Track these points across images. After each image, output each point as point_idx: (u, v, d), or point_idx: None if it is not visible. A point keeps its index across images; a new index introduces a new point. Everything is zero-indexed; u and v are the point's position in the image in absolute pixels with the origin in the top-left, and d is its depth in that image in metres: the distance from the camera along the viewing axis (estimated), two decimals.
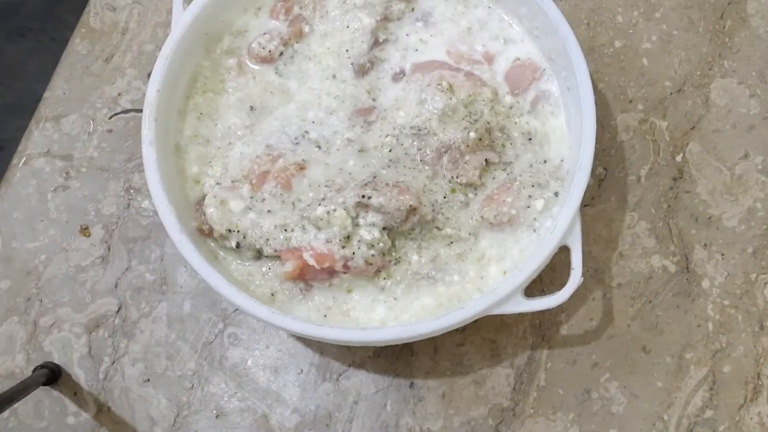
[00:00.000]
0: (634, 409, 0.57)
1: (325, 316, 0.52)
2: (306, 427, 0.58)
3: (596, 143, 0.51)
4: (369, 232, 0.51)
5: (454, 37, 0.58)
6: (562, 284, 0.50)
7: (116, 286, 0.61)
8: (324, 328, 0.49)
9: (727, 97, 0.64)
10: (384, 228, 0.51)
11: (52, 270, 0.62)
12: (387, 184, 0.52)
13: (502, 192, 0.53)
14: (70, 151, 0.65)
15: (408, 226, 0.52)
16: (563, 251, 0.51)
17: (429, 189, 0.54)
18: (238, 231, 0.52)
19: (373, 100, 0.57)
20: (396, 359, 0.59)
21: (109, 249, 0.62)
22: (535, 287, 0.58)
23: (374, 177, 0.53)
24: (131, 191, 0.64)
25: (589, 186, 0.51)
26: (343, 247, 0.50)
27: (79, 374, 0.60)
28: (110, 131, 0.66)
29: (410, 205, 0.51)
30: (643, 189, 0.62)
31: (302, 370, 0.59)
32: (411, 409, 0.58)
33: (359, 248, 0.51)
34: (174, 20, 0.56)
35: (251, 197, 0.53)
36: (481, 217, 0.53)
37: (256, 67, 0.58)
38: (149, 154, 0.52)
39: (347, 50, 0.58)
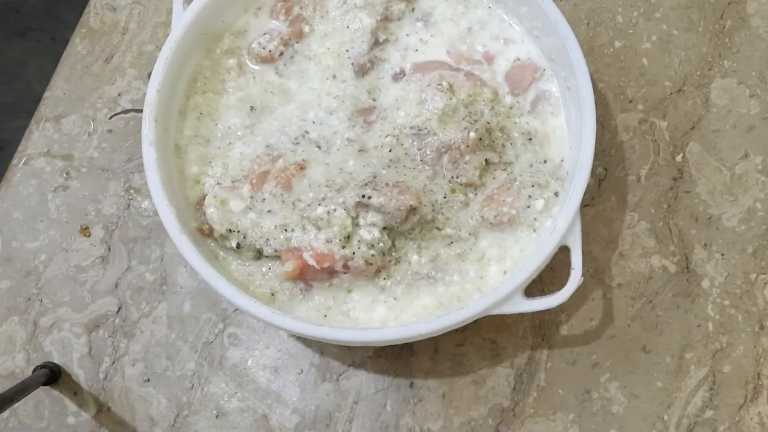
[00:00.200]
0: (634, 409, 0.57)
1: (325, 316, 0.52)
2: (306, 427, 0.58)
3: (596, 143, 0.51)
4: (369, 232, 0.51)
5: (455, 37, 0.58)
6: (562, 284, 0.50)
7: (116, 286, 0.61)
8: (324, 328, 0.49)
9: (727, 97, 0.64)
10: (384, 228, 0.51)
11: (52, 270, 0.62)
12: (387, 184, 0.52)
13: (502, 192, 0.53)
14: (70, 151, 0.65)
15: (408, 226, 0.52)
16: (563, 251, 0.51)
17: (429, 189, 0.54)
18: (239, 231, 0.52)
19: (374, 100, 0.57)
20: (396, 359, 0.59)
21: (109, 249, 0.62)
22: (535, 287, 0.58)
23: (374, 177, 0.53)
24: (131, 191, 0.64)
25: (589, 186, 0.51)
26: (343, 247, 0.50)
27: (79, 374, 0.60)
28: (110, 131, 0.66)
29: (410, 205, 0.51)
30: (643, 189, 0.62)
31: (302, 370, 0.59)
32: (411, 409, 0.58)
33: (359, 248, 0.51)
34: (174, 20, 0.56)
35: (251, 197, 0.53)
36: (481, 217, 0.53)
37: (256, 67, 0.58)
38: (149, 154, 0.52)
39: (347, 50, 0.58)
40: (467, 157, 0.54)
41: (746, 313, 0.59)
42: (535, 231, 0.53)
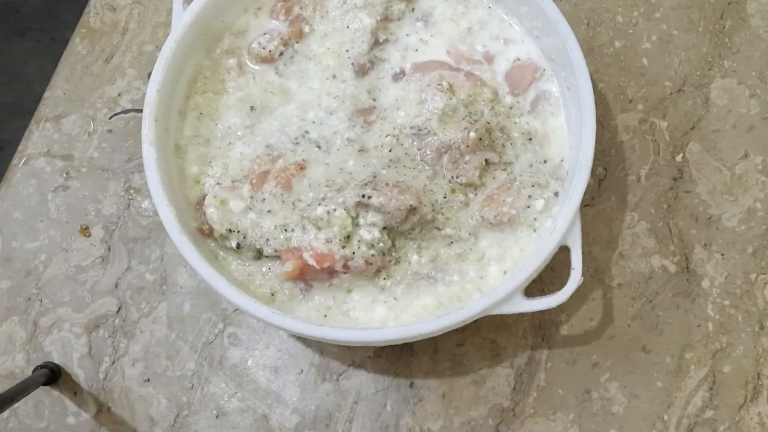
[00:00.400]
0: (634, 409, 0.57)
1: (325, 316, 0.52)
2: (306, 427, 0.58)
3: (596, 143, 0.51)
4: (369, 231, 0.51)
5: (455, 37, 0.58)
6: (562, 284, 0.50)
7: (116, 286, 0.61)
8: (324, 328, 0.49)
9: (727, 97, 0.64)
10: (384, 228, 0.51)
11: (52, 270, 0.62)
12: (387, 184, 0.52)
13: (502, 192, 0.53)
14: (70, 151, 0.65)
15: (408, 225, 0.52)
16: (563, 251, 0.51)
17: (429, 189, 0.54)
18: (239, 231, 0.52)
19: (374, 100, 0.57)
20: (396, 359, 0.59)
21: (109, 249, 0.62)
22: (535, 287, 0.58)
23: (374, 177, 0.53)
24: (131, 191, 0.64)
25: (589, 186, 0.51)
26: (343, 247, 0.50)
27: (79, 374, 0.60)
28: (110, 131, 0.66)
29: (410, 205, 0.51)
30: (643, 189, 0.62)
31: (302, 370, 0.59)
32: (411, 409, 0.58)
33: (359, 248, 0.51)
34: (174, 20, 0.56)
35: (251, 197, 0.53)
36: (481, 217, 0.53)
37: (256, 67, 0.58)
38: (149, 154, 0.52)
39: (347, 50, 0.58)
40: (467, 157, 0.54)
41: (746, 313, 0.59)
42: (535, 231, 0.53)
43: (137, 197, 0.64)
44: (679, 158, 0.63)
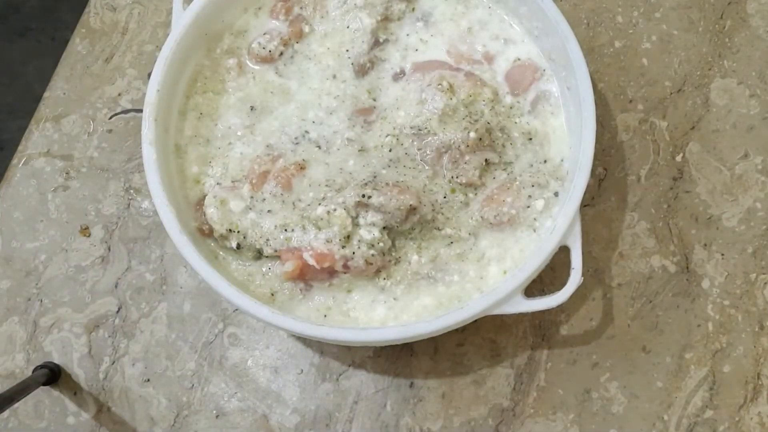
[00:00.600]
0: (634, 409, 0.57)
1: (325, 316, 0.52)
2: (306, 427, 0.58)
3: (596, 143, 0.51)
4: (369, 231, 0.51)
5: (455, 37, 0.58)
6: (562, 284, 0.50)
7: (116, 286, 0.61)
8: (324, 328, 0.49)
9: (727, 97, 0.64)
10: (384, 228, 0.51)
11: (52, 270, 0.62)
12: (387, 184, 0.52)
13: (502, 192, 0.53)
14: (70, 151, 0.65)
15: (408, 225, 0.52)
16: (563, 251, 0.51)
17: (429, 189, 0.54)
18: (239, 231, 0.52)
19: (374, 100, 0.57)
20: (396, 359, 0.59)
21: (109, 249, 0.62)
22: (535, 287, 0.58)
23: (374, 177, 0.53)
24: (131, 191, 0.64)
25: (589, 186, 0.51)
26: (343, 246, 0.50)
27: (79, 374, 0.60)
28: (110, 131, 0.66)
29: (410, 205, 0.51)
30: (643, 189, 0.62)
31: (302, 370, 0.59)
32: (411, 409, 0.58)
33: (359, 248, 0.51)
34: (174, 20, 0.56)
35: (251, 197, 0.53)
36: (481, 217, 0.53)
37: (256, 67, 0.58)
38: (149, 154, 0.52)
39: (347, 50, 0.58)
40: (467, 157, 0.54)
41: (746, 313, 0.59)
42: (535, 231, 0.53)
43: (137, 197, 0.64)
44: (679, 158, 0.63)
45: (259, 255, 0.53)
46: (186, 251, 0.50)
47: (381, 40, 0.58)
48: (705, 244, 0.60)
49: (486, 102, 0.55)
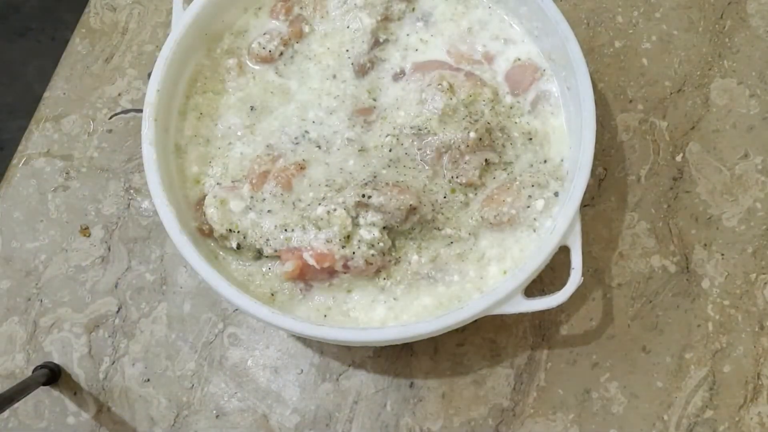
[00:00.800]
0: (634, 409, 0.57)
1: (325, 316, 0.52)
2: (306, 427, 0.58)
3: (596, 143, 0.51)
4: (369, 231, 0.51)
5: (455, 37, 0.58)
6: (562, 284, 0.50)
7: (116, 286, 0.61)
8: (324, 328, 0.49)
9: (727, 97, 0.64)
10: (384, 228, 0.51)
11: (52, 270, 0.62)
12: (387, 184, 0.52)
13: (502, 192, 0.53)
14: (70, 151, 0.65)
15: (408, 225, 0.52)
16: (563, 251, 0.51)
17: (429, 189, 0.54)
18: (239, 231, 0.52)
19: (374, 99, 0.57)
20: (396, 359, 0.59)
21: (109, 249, 0.62)
22: (535, 287, 0.58)
23: (374, 177, 0.53)
24: (131, 191, 0.64)
25: (589, 186, 0.51)
26: (343, 246, 0.50)
27: (79, 374, 0.60)
28: (110, 131, 0.66)
29: (410, 205, 0.51)
30: (643, 189, 0.62)
31: (302, 370, 0.59)
32: (411, 409, 0.58)
33: (359, 248, 0.51)
34: (174, 20, 0.56)
35: (251, 197, 0.53)
36: (481, 217, 0.53)
37: (256, 67, 0.58)
38: (149, 154, 0.52)
39: (347, 50, 0.58)
40: (467, 157, 0.54)
41: (746, 313, 0.59)
42: (535, 231, 0.53)
43: (137, 197, 0.64)
44: (679, 158, 0.63)
45: (259, 255, 0.53)
46: (186, 251, 0.50)
47: (381, 40, 0.58)
48: (705, 244, 0.60)
49: (486, 102, 0.55)
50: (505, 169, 0.55)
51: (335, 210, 0.51)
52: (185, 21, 0.55)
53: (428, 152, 0.54)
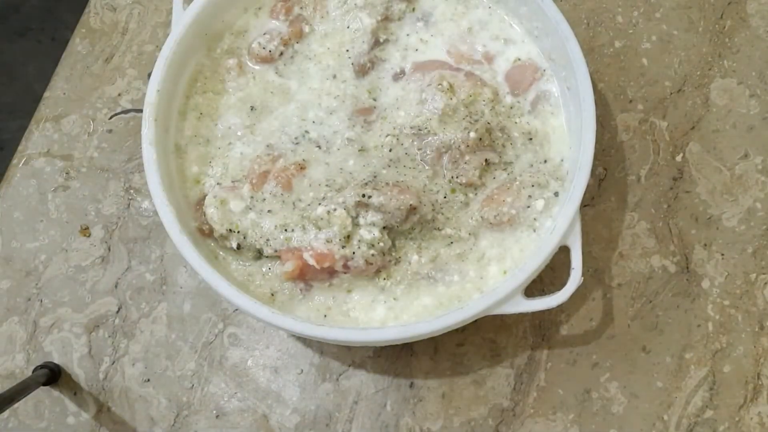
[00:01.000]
0: (634, 409, 0.57)
1: (325, 316, 0.52)
2: (306, 427, 0.58)
3: (596, 143, 0.51)
4: (369, 231, 0.51)
5: (455, 37, 0.58)
6: (562, 284, 0.50)
7: (116, 286, 0.61)
8: (324, 328, 0.49)
9: (727, 97, 0.64)
10: (384, 227, 0.51)
11: (52, 270, 0.62)
12: (387, 184, 0.52)
13: (502, 192, 0.53)
14: (70, 151, 0.65)
15: (408, 225, 0.52)
16: (563, 251, 0.51)
17: (429, 189, 0.54)
18: (239, 231, 0.52)
19: (374, 99, 0.57)
20: (396, 359, 0.59)
21: (109, 249, 0.62)
22: (535, 287, 0.58)
23: (374, 176, 0.53)
24: (131, 191, 0.64)
25: (589, 186, 0.51)
26: (344, 246, 0.50)
27: (79, 374, 0.60)
28: (110, 131, 0.66)
29: (410, 205, 0.51)
30: (643, 189, 0.62)
31: (302, 370, 0.59)
32: (411, 409, 0.58)
33: (359, 248, 0.51)
34: (174, 20, 0.56)
35: (251, 197, 0.53)
36: (481, 217, 0.53)
37: (257, 67, 0.58)
38: (149, 154, 0.52)
39: (347, 50, 0.58)
40: (467, 157, 0.54)
41: (746, 313, 0.59)
42: (535, 231, 0.53)
43: (137, 197, 0.64)
44: (679, 158, 0.63)
45: (259, 255, 0.53)
46: (186, 251, 0.50)
47: (381, 40, 0.58)
48: (705, 244, 0.60)
49: (486, 102, 0.55)
50: (505, 169, 0.55)
51: (335, 210, 0.51)
52: (185, 21, 0.55)
53: (428, 152, 0.54)
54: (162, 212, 0.51)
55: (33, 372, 0.59)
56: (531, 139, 0.55)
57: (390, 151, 0.55)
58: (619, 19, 0.67)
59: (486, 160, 0.54)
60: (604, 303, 0.59)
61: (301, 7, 0.59)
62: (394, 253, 0.53)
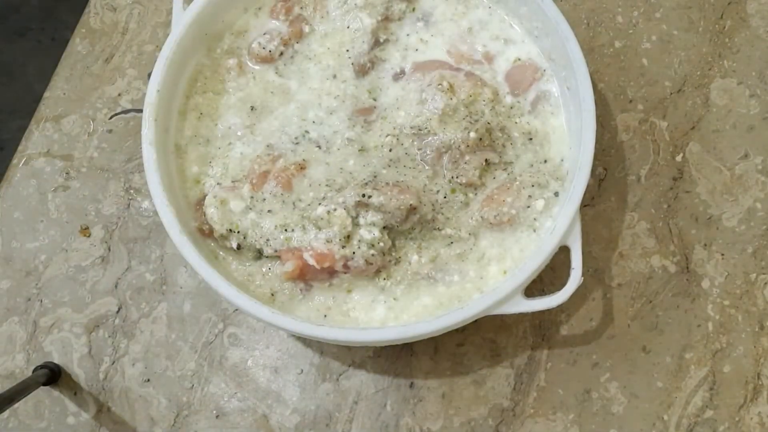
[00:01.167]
0: (634, 409, 0.57)
1: (325, 316, 0.52)
2: (306, 427, 0.58)
3: (596, 143, 0.51)
4: (369, 231, 0.51)
5: (455, 37, 0.58)
6: (562, 284, 0.50)
7: (116, 286, 0.61)
8: (324, 328, 0.49)
9: (727, 97, 0.64)
10: (384, 227, 0.51)
11: (52, 270, 0.62)
12: (387, 184, 0.52)
13: (502, 192, 0.53)
14: (70, 151, 0.65)
15: (408, 225, 0.52)
16: (563, 251, 0.51)
17: (429, 189, 0.54)
18: (239, 231, 0.52)
19: (374, 99, 0.57)
20: (396, 359, 0.59)
21: (109, 249, 0.62)
22: (535, 287, 0.58)
23: (374, 176, 0.53)
24: (131, 191, 0.64)
25: (589, 186, 0.51)
26: (344, 246, 0.50)
27: (79, 374, 0.60)
28: (110, 131, 0.66)
29: (410, 204, 0.51)
30: (643, 189, 0.62)
31: (302, 370, 0.59)
32: (411, 409, 0.58)
33: (359, 248, 0.51)
34: (174, 20, 0.56)
35: (251, 197, 0.53)
36: (481, 217, 0.53)
37: (257, 67, 0.58)
38: (149, 154, 0.52)
39: (347, 50, 0.58)
40: (467, 157, 0.54)
41: (746, 313, 0.59)
42: (535, 231, 0.53)
43: (137, 197, 0.64)
44: (679, 158, 0.63)
45: (259, 255, 0.53)
46: (186, 251, 0.50)
47: (381, 40, 0.58)
48: (705, 244, 0.60)
49: (486, 102, 0.55)
50: (505, 169, 0.55)
51: (335, 210, 0.51)
52: (185, 21, 0.55)
53: (428, 152, 0.54)
54: (162, 212, 0.51)
55: (33, 372, 0.59)
56: (531, 139, 0.55)
57: (390, 151, 0.55)
58: (619, 19, 0.67)
59: (486, 160, 0.54)
60: (604, 303, 0.59)
61: (301, 7, 0.59)
62: (394, 253, 0.53)
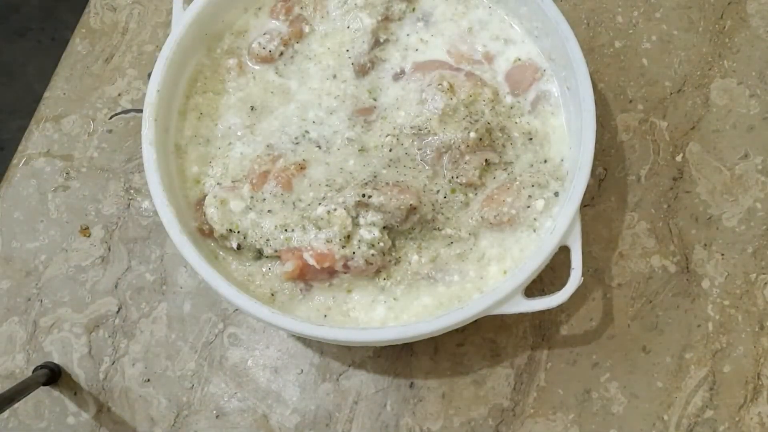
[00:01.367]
0: (634, 409, 0.57)
1: (325, 316, 0.52)
2: (306, 427, 0.58)
3: (596, 143, 0.51)
4: (369, 231, 0.51)
5: (455, 37, 0.58)
6: (562, 284, 0.50)
7: (116, 286, 0.61)
8: (324, 328, 0.49)
9: (727, 97, 0.64)
10: (384, 227, 0.51)
11: (52, 270, 0.62)
12: (387, 184, 0.52)
13: (502, 192, 0.53)
14: (70, 151, 0.65)
15: (408, 225, 0.52)
16: (563, 251, 0.51)
17: (429, 189, 0.54)
18: (239, 231, 0.52)
19: (374, 99, 0.57)
20: (396, 359, 0.59)
21: (109, 249, 0.62)
22: (535, 287, 0.58)
23: (374, 176, 0.53)
24: (131, 191, 0.64)
25: (589, 186, 0.51)
26: (344, 246, 0.50)
27: (79, 374, 0.60)
28: (110, 131, 0.66)
29: (410, 204, 0.51)
30: (643, 189, 0.62)
31: (302, 370, 0.59)
32: (411, 409, 0.58)
33: (359, 248, 0.51)
34: (174, 20, 0.56)
35: (251, 197, 0.53)
36: (481, 217, 0.53)
37: (257, 67, 0.58)
38: (149, 154, 0.52)
39: (348, 50, 0.58)
40: (467, 157, 0.54)
41: (746, 313, 0.59)
42: (535, 231, 0.53)
43: (137, 197, 0.64)
44: (679, 158, 0.63)
45: (259, 255, 0.53)
46: (186, 251, 0.50)
47: (381, 40, 0.58)
48: (705, 244, 0.60)
49: (486, 102, 0.55)
50: (505, 169, 0.55)
51: (335, 210, 0.51)
52: (185, 21, 0.55)
53: (428, 152, 0.54)
54: (162, 212, 0.51)
55: (33, 372, 0.59)
56: (531, 139, 0.55)
57: (390, 151, 0.55)
58: (619, 19, 0.67)
59: (486, 160, 0.54)
60: (604, 303, 0.59)
61: (301, 7, 0.59)
62: (394, 253, 0.53)
